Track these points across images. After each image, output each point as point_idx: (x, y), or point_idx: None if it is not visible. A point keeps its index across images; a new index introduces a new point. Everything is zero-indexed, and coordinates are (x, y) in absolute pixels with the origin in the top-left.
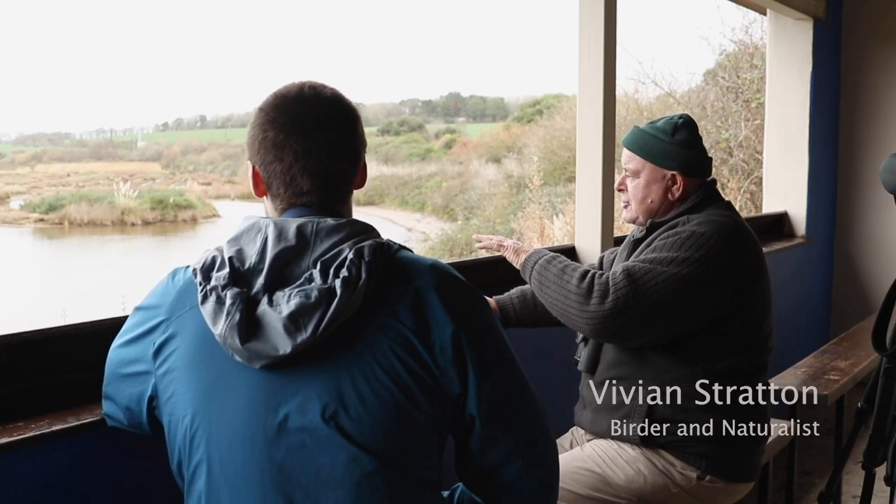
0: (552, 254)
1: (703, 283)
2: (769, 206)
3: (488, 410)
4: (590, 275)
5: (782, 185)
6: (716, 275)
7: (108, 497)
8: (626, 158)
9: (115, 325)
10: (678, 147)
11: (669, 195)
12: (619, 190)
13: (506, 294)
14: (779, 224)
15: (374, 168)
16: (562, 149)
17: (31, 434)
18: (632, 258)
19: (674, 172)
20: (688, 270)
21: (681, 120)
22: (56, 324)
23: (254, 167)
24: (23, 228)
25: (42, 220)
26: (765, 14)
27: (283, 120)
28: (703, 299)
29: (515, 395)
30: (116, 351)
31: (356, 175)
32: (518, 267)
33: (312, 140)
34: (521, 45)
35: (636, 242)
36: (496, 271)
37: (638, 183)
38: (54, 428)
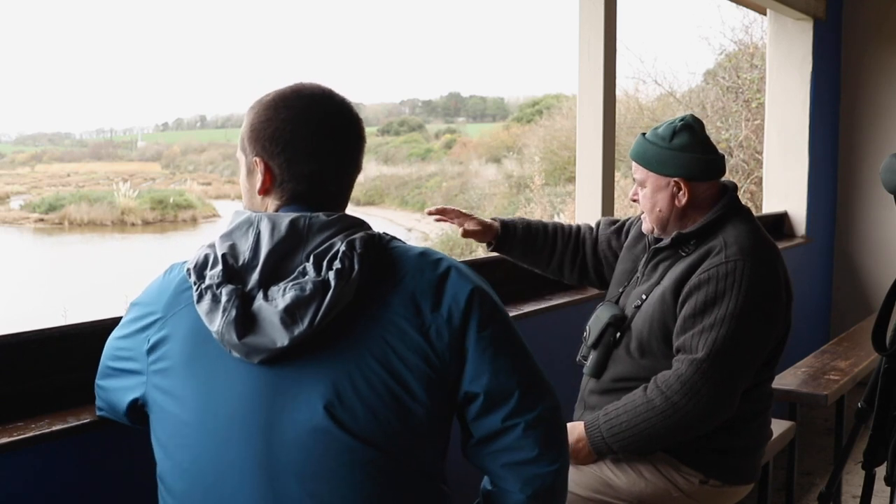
0: (602, 415)
1: (768, 317)
2: (769, 206)
3: (487, 384)
4: (651, 389)
5: (782, 185)
6: (772, 302)
7: (108, 497)
8: (633, 169)
9: (115, 325)
10: (677, 152)
11: (676, 202)
12: (633, 201)
13: (510, 218)
14: (779, 224)
15: (374, 168)
16: (562, 149)
17: (31, 434)
18: (679, 320)
19: (676, 179)
20: (749, 318)
21: (681, 122)
22: (56, 324)
23: (266, 163)
24: (23, 228)
25: (42, 219)
26: (765, 14)
27: (304, 116)
28: (772, 329)
29: (508, 356)
30: (113, 342)
31: (355, 179)
32: (592, 450)
33: (340, 143)
34: (521, 45)
35: (656, 252)
36: (496, 271)
37: (645, 193)
38: (54, 428)
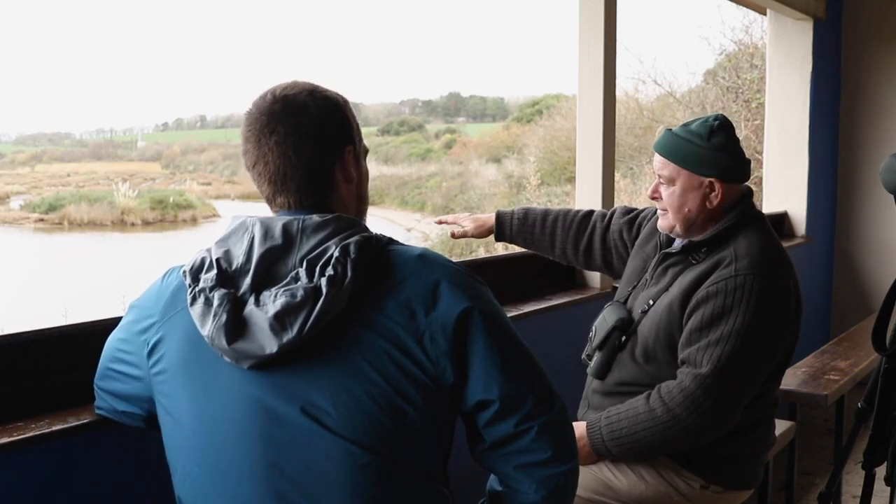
0: (604, 417)
1: (775, 333)
2: (769, 206)
3: (501, 391)
4: (653, 398)
5: (782, 185)
6: (780, 317)
7: (108, 497)
8: (660, 165)
9: (115, 325)
10: (715, 152)
11: (707, 203)
12: (653, 198)
13: (510, 209)
14: (779, 224)
15: (374, 168)
16: (562, 149)
17: (31, 434)
18: (685, 332)
19: (711, 179)
20: (755, 334)
21: (717, 122)
22: (56, 324)
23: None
24: (23, 228)
25: (42, 219)
26: (765, 14)
27: (243, 131)
28: (779, 344)
29: (517, 363)
30: (113, 342)
31: (328, 168)
32: (592, 450)
33: (260, 146)
34: (521, 45)
35: (666, 256)
36: (496, 271)
37: (674, 191)
38: (54, 428)
